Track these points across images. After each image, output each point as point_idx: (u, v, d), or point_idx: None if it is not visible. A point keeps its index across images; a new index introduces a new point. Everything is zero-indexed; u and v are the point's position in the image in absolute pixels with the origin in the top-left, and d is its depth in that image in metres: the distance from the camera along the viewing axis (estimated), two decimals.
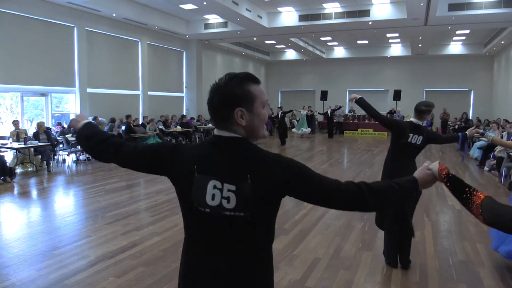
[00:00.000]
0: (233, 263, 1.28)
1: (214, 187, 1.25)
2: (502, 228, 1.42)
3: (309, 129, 18.34)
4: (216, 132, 1.32)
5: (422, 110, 3.72)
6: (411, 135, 3.73)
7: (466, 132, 3.91)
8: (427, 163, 1.49)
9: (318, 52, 21.82)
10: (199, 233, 1.33)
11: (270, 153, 1.30)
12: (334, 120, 20.72)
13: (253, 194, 1.23)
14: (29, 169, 9.02)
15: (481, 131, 3.94)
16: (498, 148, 9.20)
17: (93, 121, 1.71)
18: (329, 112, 18.88)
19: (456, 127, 17.61)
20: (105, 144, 1.55)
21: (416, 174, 1.44)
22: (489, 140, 3.65)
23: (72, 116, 12.29)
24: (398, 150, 3.83)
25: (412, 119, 3.83)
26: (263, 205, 1.26)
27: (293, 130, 18.23)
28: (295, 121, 23.87)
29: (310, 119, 21.15)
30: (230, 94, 1.25)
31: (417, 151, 3.81)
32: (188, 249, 1.37)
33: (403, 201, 1.51)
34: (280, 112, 15.24)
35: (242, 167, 1.25)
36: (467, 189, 1.41)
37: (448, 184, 1.44)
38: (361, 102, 3.99)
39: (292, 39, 18.03)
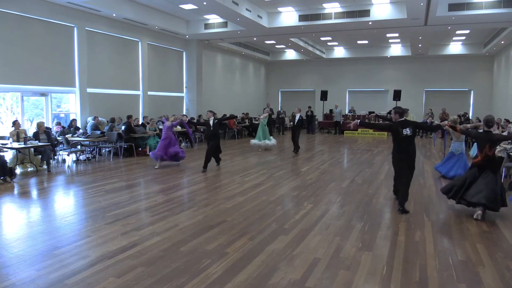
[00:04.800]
0: (411, 150, 5.81)
1: (406, 129, 5.72)
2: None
3: (273, 141, 13.51)
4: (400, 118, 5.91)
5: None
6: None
7: (440, 123, 6.68)
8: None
9: (318, 52, 21.82)
10: (401, 142, 5.77)
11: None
12: (334, 120, 20.76)
13: (412, 129, 5.75)
14: (29, 169, 9.03)
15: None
16: (498, 148, 9.18)
17: None
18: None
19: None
20: None
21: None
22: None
23: (72, 116, 12.30)
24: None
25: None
26: (414, 132, 5.77)
27: (252, 141, 13.43)
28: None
29: (310, 119, 21.15)
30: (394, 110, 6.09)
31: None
32: (397, 149, 5.90)
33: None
34: (212, 118, 9.50)
35: (410, 123, 5.84)
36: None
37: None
38: (363, 124, 6.42)
39: (292, 39, 18.03)
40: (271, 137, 13.63)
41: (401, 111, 5.96)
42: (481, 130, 6.06)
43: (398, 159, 5.93)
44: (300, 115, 13.01)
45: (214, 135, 9.50)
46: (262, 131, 13.23)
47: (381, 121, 8.07)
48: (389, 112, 20.51)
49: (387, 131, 6.43)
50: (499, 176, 5.99)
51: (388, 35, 17.81)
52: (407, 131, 5.72)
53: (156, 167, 9.56)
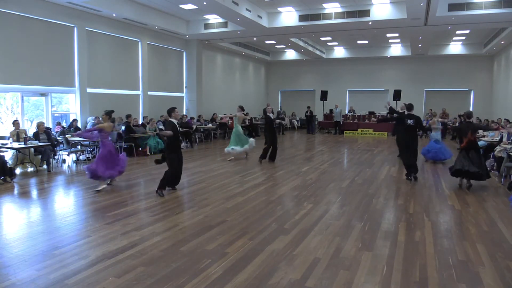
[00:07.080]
0: (413, 137, 8.41)
1: (410, 120, 8.29)
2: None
3: (248, 146, 10.95)
4: (408, 112, 8.48)
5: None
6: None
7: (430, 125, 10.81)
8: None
9: (318, 52, 21.82)
10: (406, 129, 8.30)
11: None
12: (334, 120, 20.74)
13: (415, 121, 8.24)
14: (29, 169, 9.03)
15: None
16: (498, 148, 9.20)
17: None
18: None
19: (457, 125, 17.61)
20: None
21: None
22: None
23: (72, 116, 12.29)
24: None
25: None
26: (415, 124, 8.21)
27: (225, 149, 10.85)
28: (295, 121, 23.78)
29: (310, 119, 21.15)
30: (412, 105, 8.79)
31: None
32: (404, 134, 8.53)
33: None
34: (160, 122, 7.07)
35: (414, 117, 8.29)
36: None
37: None
38: (380, 120, 11.27)
39: (292, 39, 18.02)
40: (250, 140, 11.10)
41: (408, 106, 8.53)
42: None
43: (403, 140, 8.61)
44: (272, 114, 10.74)
45: (167, 146, 7.04)
46: (236, 135, 10.77)
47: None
48: (389, 112, 20.59)
49: (398, 121, 9.03)
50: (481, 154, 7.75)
51: (388, 35, 17.81)
52: (410, 122, 8.15)
53: (109, 183, 7.50)
